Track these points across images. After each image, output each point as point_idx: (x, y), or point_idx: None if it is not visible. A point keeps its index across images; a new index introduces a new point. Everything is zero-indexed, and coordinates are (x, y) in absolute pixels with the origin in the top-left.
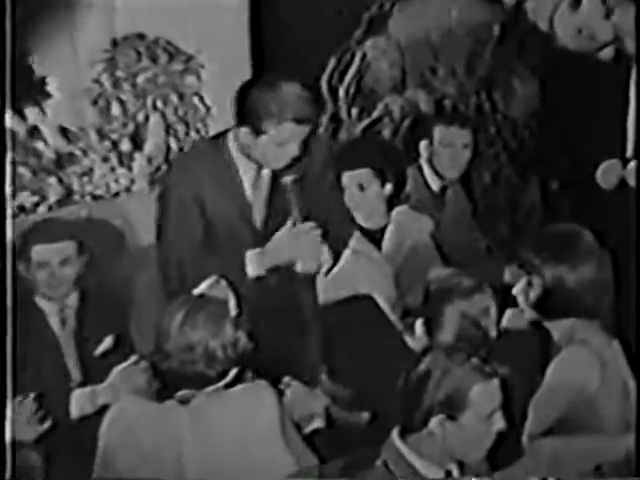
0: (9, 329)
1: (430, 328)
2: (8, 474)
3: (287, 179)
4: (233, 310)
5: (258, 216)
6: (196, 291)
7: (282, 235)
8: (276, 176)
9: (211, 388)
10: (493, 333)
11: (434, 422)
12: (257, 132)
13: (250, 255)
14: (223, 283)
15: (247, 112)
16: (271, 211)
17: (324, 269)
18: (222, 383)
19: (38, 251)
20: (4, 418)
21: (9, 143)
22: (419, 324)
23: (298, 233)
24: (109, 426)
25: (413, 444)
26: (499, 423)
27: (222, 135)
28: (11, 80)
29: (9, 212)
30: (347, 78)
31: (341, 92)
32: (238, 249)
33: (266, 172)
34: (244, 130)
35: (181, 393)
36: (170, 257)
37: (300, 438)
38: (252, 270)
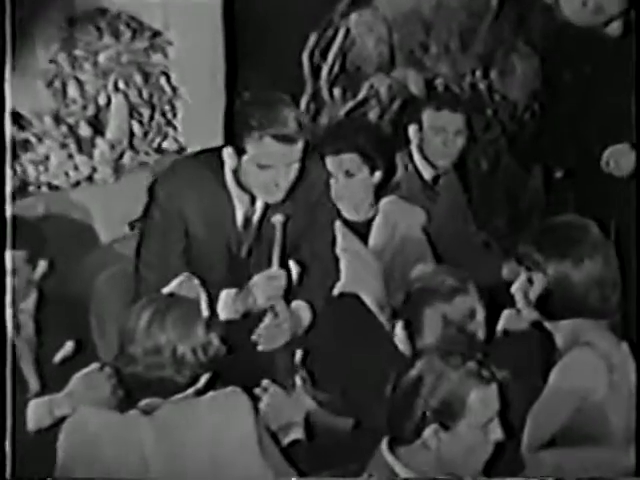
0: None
1: (411, 331)
2: (8, 474)
3: (277, 218)
4: (205, 311)
5: (244, 250)
6: (165, 289)
7: (257, 281)
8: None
9: (179, 396)
10: (481, 336)
11: (428, 432)
12: (239, 152)
13: (224, 296)
14: (195, 281)
15: (233, 128)
16: (258, 247)
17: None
18: (191, 390)
19: None
20: (4, 418)
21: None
22: (399, 327)
23: (271, 279)
24: (67, 439)
25: (404, 456)
26: (497, 433)
27: (216, 151)
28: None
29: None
30: (330, 55)
31: (323, 71)
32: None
33: (259, 204)
34: (228, 150)
35: (145, 402)
36: (150, 263)
37: (277, 450)
38: (223, 313)
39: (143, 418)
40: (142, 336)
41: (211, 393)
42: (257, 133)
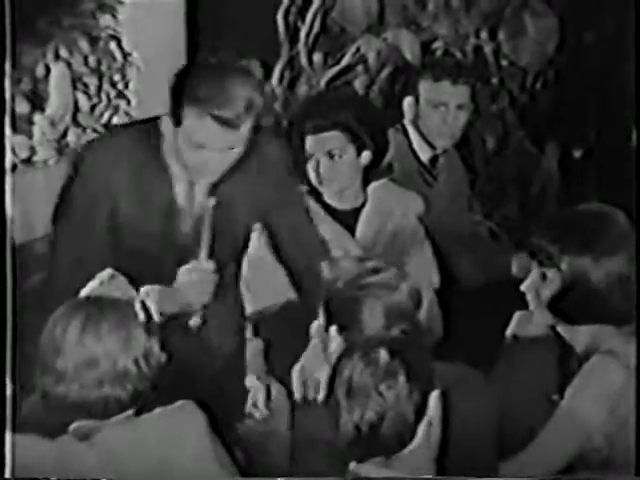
0: (9, 329)
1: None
2: (8, 474)
3: (209, 202)
4: (141, 313)
5: (184, 236)
6: (85, 290)
7: (181, 273)
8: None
9: (118, 417)
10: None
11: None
12: (177, 122)
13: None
14: (121, 278)
15: (179, 96)
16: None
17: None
18: (131, 411)
19: None
20: (4, 417)
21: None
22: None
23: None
24: None
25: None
26: None
27: (153, 121)
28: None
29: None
30: (309, 14)
31: (301, 33)
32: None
33: (202, 183)
34: (166, 118)
35: (77, 426)
36: (63, 256)
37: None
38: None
39: (79, 444)
40: (73, 349)
41: (158, 410)
42: (197, 109)
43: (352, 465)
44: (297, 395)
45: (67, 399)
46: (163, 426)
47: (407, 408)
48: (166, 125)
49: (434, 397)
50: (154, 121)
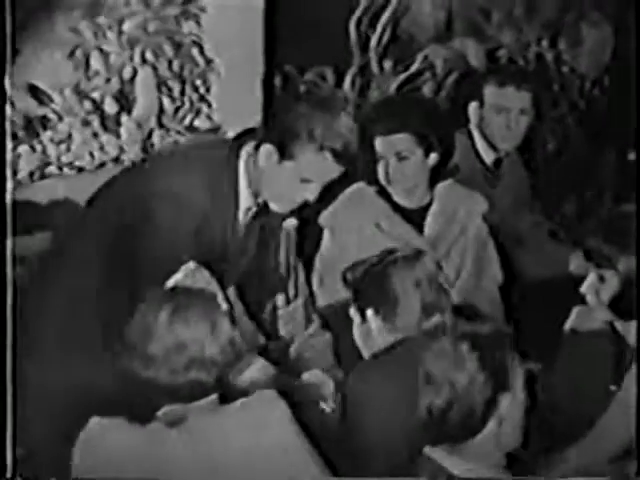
0: (9, 326)
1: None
2: (8, 474)
3: (290, 222)
4: (223, 304)
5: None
6: (170, 282)
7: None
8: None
9: (204, 405)
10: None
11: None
12: (282, 155)
13: None
14: (204, 271)
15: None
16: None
17: None
18: (215, 396)
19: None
20: (4, 417)
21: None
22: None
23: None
24: (81, 455)
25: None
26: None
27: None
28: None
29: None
30: (380, 23)
31: (372, 40)
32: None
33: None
34: (268, 148)
35: (166, 412)
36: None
37: (316, 452)
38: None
39: (169, 431)
40: (163, 333)
41: (241, 400)
42: (314, 145)
43: (427, 449)
44: None
45: (156, 383)
46: (247, 415)
47: (477, 399)
48: (265, 153)
49: (505, 397)
50: (239, 141)
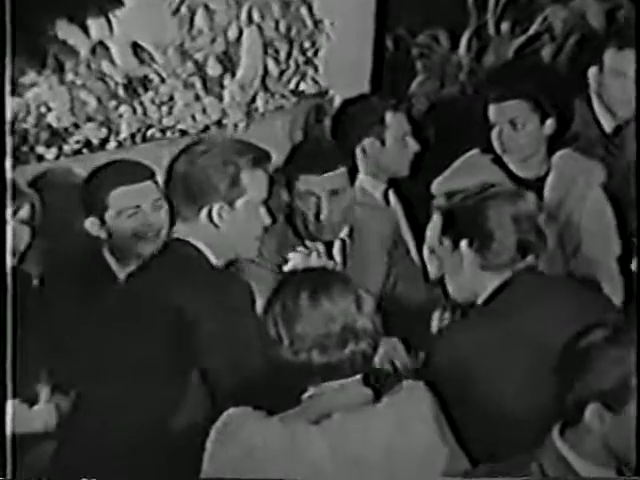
0: (9, 324)
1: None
2: (9, 474)
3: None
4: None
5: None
6: (289, 265)
7: None
8: None
9: (356, 396)
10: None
11: (589, 413)
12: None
13: None
14: (321, 248)
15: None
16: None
17: None
18: (369, 391)
19: (118, 196)
20: (4, 417)
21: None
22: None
23: None
24: (215, 446)
25: (572, 442)
26: None
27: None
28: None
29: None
30: None
31: (490, 1)
32: None
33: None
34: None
35: (309, 406)
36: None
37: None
38: None
39: (312, 428)
40: (307, 312)
41: (386, 398)
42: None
43: (554, 433)
44: None
45: (310, 362)
46: (391, 414)
47: None
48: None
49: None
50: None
